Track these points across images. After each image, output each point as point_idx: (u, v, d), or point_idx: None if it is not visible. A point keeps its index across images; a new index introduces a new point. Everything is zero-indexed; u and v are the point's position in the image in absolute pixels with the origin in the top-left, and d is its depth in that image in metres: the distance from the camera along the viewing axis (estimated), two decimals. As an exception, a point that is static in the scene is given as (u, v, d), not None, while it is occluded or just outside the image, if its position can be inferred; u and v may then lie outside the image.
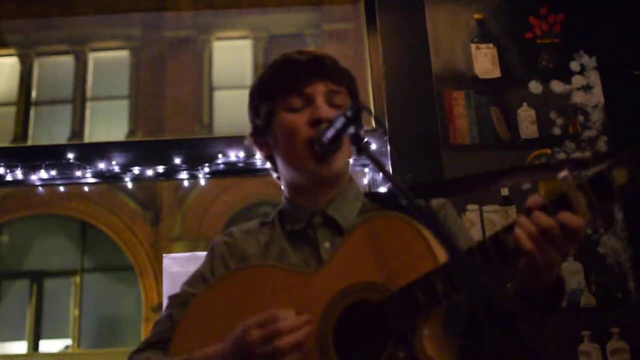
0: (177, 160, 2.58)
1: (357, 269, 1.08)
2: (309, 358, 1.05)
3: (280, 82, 1.28)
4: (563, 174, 0.93)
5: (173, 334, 1.22)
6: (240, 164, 2.60)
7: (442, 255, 0.99)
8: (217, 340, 1.12)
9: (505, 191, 2.49)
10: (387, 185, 2.46)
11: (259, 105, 1.32)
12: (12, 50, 5.05)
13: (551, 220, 0.92)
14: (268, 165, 1.38)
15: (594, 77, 2.64)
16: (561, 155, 2.54)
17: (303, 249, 1.24)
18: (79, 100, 6.34)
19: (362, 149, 1.10)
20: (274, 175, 1.38)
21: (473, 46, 2.69)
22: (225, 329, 1.11)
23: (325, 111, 1.21)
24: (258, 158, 2.57)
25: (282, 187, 1.35)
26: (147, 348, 1.24)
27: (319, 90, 1.24)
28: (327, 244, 1.23)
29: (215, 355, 1.10)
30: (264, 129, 1.31)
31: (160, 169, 2.59)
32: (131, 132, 6.22)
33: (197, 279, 1.30)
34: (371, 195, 1.35)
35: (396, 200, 1.29)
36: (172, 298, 1.30)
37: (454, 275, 0.96)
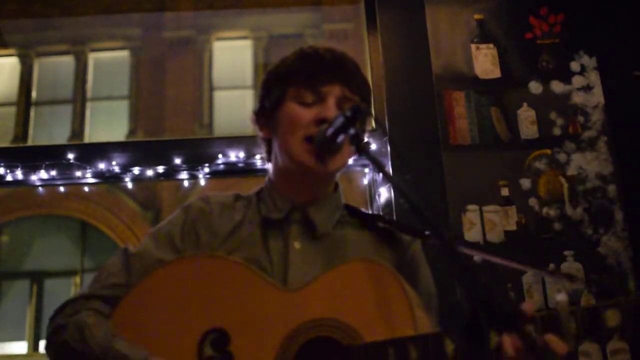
0: (177, 161, 2.58)
1: (333, 304, 1.07)
2: None
3: (299, 73, 1.26)
4: (560, 297, 0.96)
5: (125, 298, 1.15)
6: (240, 164, 2.60)
7: (421, 323, 1.00)
8: (164, 326, 1.09)
9: (505, 191, 2.49)
10: (387, 187, 2.46)
11: (272, 86, 1.30)
12: (12, 51, 5.05)
13: (540, 339, 0.91)
14: (262, 147, 1.37)
15: (594, 78, 2.64)
16: (561, 156, 2.54)
17: (273, 241, 1.23)
18: (79, 100, 6.34)
19: (362, 150, 1.10)
20: (265, 156, 1.36)
21: (473, 46, 2.69)
22: (178, 318, 1.09)
23: (334, 113, 1.20)
24: (258, 158, 2.58)
25: (270, 170, 1.34)
26: (96, 299, 1.18)
27: (334, 92, 1.24)
28: (297, 244, 1.22)
29: None
30: (270, 112, 1.30)
31: (160, 169, 2.59)
32: (131, 132, 6.22)
33: (166, 242, 1.24)
34: (351, 209, 1.35)
35: (372, 222, 1.30)
36: (133, 256, 1.22)
37: (430, 352, 0.96)
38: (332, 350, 1.04)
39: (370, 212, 1.34)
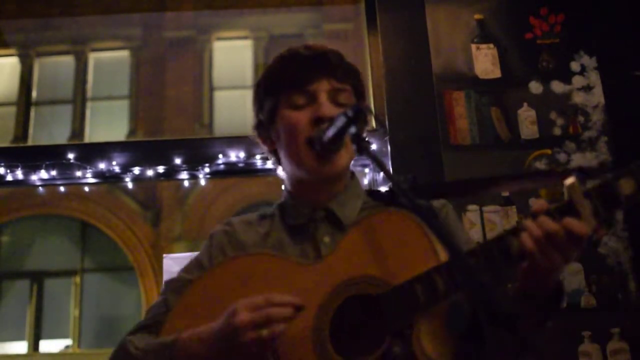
0: (178, 161, 2.59)
1: (357, 262, 1.08)
2: (305, 349, 1.05)
3: (284, 78, 1.27)
4: (570, 180, 0.93)
5: (166, 318, 1.21)
6: (240, 164, 2.60)
7: (444, 254, 0.99)
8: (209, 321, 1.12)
9: (505, 192, 2.49)
10: (387, 185, 2.46)
11: (264, 99, 1.32)
12: (12, 51, 5.04)
13: (557, 224, 0.92)
14: (271, 159, 1.38)
15: (594, 78, 2.64)
16: (561, 156, 2.54)
17: (302, 242, 1.24)
18: (79, 100, 6.33)
19: (362, 149, 1.10)
20: (278, 168, 1.38)
21: (473, 46, 2.69)
22: (218, 315, 1.11)
23: (328, 109, 1.21)
24: (258, 158, 2.58)
25: (285, 180, 1.35)
26: (139, 331, 1.23)
27: (322, 87, 1.24)
28: (326, 239, 1.23)
29: (203, 334, 1.09)
30: (267, 124, 1.31)
31: (161, 169, 2.59)
32: (131, 132, 6.22)
33: (195, 266, 1.30)
34: (373, 193, 1.35)
35: (397, 199, 1.29)
36: (168, 283, 1.30)
37: (456, 274, 0.96)
38: (366, 305, 1.06)
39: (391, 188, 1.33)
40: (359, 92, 1.31)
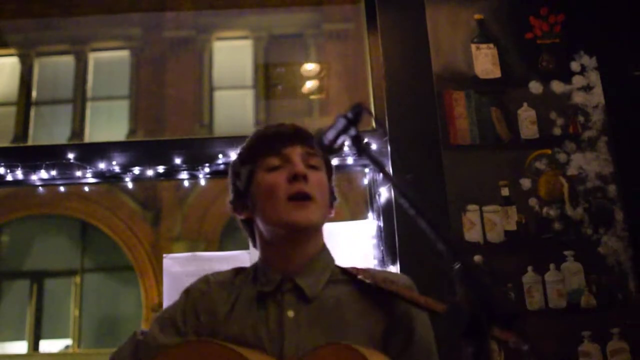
0: (178, 160, 2.58)
1: None
2: None
3: (260, 146, 1.37)
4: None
5: None
6: (240, 164, 2.60)
7: None
8: None
9: (505, 191, 2.49)
10: (387, 187, 2.46)
11: (240, 169, 1.41)
12: (12, 50, 5.05)
13: None
14: (245, 230, 1.44)
15: (594, 78, 2.64)
16: (561, 156, 2.54)
17: (268, 313, 1.29)
18: (79, 100, 6.34)
19: (362, 150, 1.11)
20: (250, 241, 1.44)
21: (473, 46, 2.69)
22: None
23: (302, 168, 1.30)
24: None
25: (257, 251, 1.41)
26: None
27: (296, 151, 1.33)
28: (290, 313, 1.27)
29: None
30: (244, 192, 1.39)
31: (161, 169, 2.59)
32: (131, 132, 6.23)
33: (168, 324, 1.34)
34: (342, 268, 1.40)
35: (361, 280, 1.33)
36: (141, 342, 1.33)
37: None
38: None
39: (360, 267, 1.39)
40: (328, 163, 1.41)
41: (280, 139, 1.35)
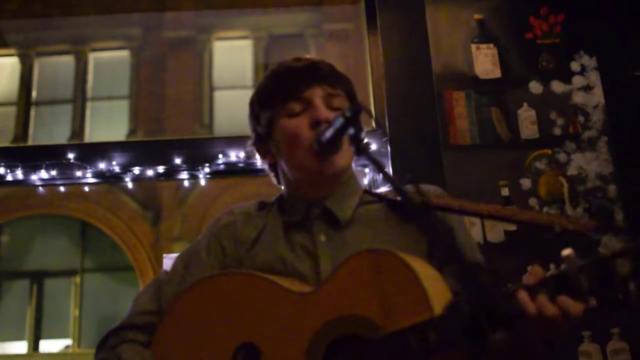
0: (178, 160, 2.59)
1: (351, 299, 1.07)
2: None
3: (279, 90, 1.30)
4: (567, 252, 0.93)
5: (159, 325, 1.22)
6: (240, 164, 2.60)
7: (437, 307, 0.99)
8: (201, 351, 1.14)
9: (505, 191, 2.49)
10: (387, 187, 2.46)
11: (260, 113, 1.34)
12: (12, 50, 5.05)
13: (554, 308, 0.91)
14: (270, 173, 1.40)
15: (594, 78, 2.64)
16: (561, 156, 2.54)
17: (298, 240, 1.25)
18: (79, 100, 6.33)
19: (361, 150, 1.10)
20: (274, 181, 1.40)
21: (473, 46, 2.69)
22: (212, 340, 1.14)
23: (324, 112, 1.23)
24: (258, 158, 2.58)
25: (282, 188, 1.37)
26: (131, 330, 1.24)
27: (317, 93, 1.26)
28: (322, 237, 1.23)
29: None
30: (266, 137, 1.33)
31: (161, 169, 2.59)
32: (131, 132, 6.22)
33: (193, 258, 1.30)
34: (370, 192, 1.36)
35: (394, 199, 1.29)
36: (163, 282, 1.30)
37: (449, 329, 0.96)
38: (356, 346, 1.05)
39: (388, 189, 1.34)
40: (352, 97, 1.33)
41: (299, 80, 1.27)
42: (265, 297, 1.15)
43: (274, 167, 1.37)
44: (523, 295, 0.92)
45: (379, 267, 1.07)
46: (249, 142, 1.40)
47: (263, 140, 1.35)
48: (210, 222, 1.37)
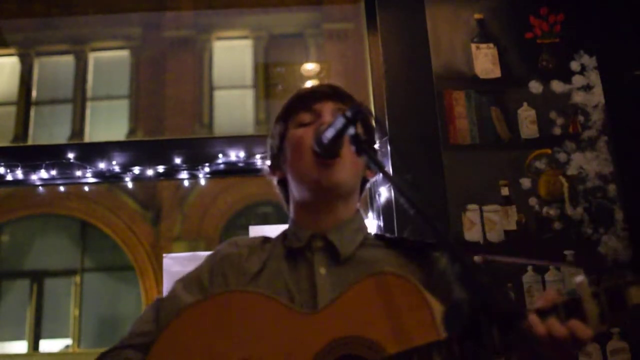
0: (178, 160, 2.59)
1: (354, 321, 1.07)
2: None
3: (294, 104, 1.34)
4: (580, 278, 0.94)
5: (155, 342, 1.19)
6: (240, 164, 2.60)
7: (443, 330, 0.99)
8: None
9: (505, 191, 2.49)
10: (387, 187, 2.46)
11: (274, 127, 1.37)
12: (12, 50, 5.04)
13: (564, 330, 0.91)
14: (280, 192, 1.40)
15: (594, 77, 2.64)
16: (561, 156, 2.54)
17: (299, 270, 1.24)
18: (79, 100, 6.34)
19: (361, 150, 1.10)
20: (284, 204, 1.39)
21: (473, 46, 2.69)
22: (210, 356, 1.12)
23: (330, 120, 1.23)
24: (258, 158, 2.58)
25: (290, 211, 1.36)
26: (128, 348, 1.23)
27: (327, 107, 1.29)
28: (322, 270, 1.22)
29: None
30: (278, 151, 1.35)
31: (161, 168, 2.59)
32: (131, 131, 6.23)
33: (194, 283, 1.29)
34: (376, 235, 1.35)
35: (401, 243, 1.29)
36: (162, 302, 1.29)
37: (455, 353, 0.96)
38: None
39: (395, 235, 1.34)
40: (364, 121, 1.34)
41: (314, 96, 1.32)
42: (267, 314, 1.14)
43: (283, 184, 1.37)
44: (533, 317, 0.93)
45: (388, 289, 1.07)
46: (266, 165, 1.41)
47: (276, 156, 1.36)
48: (212, 252, 1.35)
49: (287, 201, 1.37)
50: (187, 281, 1.30)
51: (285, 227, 1.37)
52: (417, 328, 1.01)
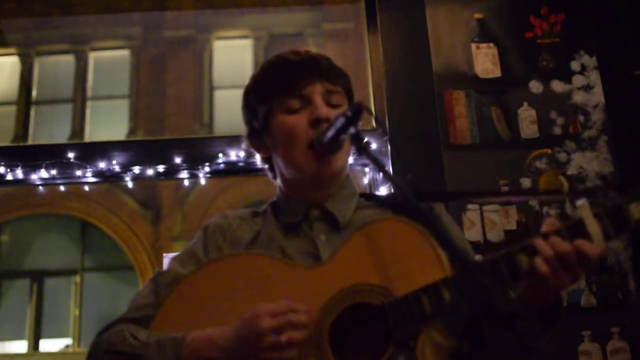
0: (178, 160, 2.59)
1: (359, 269, 1.07)
2: (305, 352, 1.04)
3: (277, 84, 1.27)
4: (581, 201, 0.96)
5: (157, 312, 1.19)
6: (240, 164, 2.60)
7: (449, 268, 0.99)
8: (205, 325, 1.10)
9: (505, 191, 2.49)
10: (387, 186, 2.46)
11: (256, 107, 1.31)
12: (12, 50, 5.04)
13: (569, 246, 0.93)
14: (265, 166, 1.38)
15: (594, 77, 2.64)
16: (561, 155, 2.54)
17: (297, 240, 1.24)
18: (79, 99, 6.34)
19: (362, 149, 1.10)
20: (270, 175, 1.38)
21: (473, 46, 2.69)
22: (216, 315, 1.11)
23: (325, 111, 1.22)
24: (258, 158, 2.58)
25: (278, 184, 1.35)
26: (129, 323, 1.20)
27: (316, 90, 1.24)
28: (322, 237, 1.23)
29: (216, 337, 1.07)
30: (262, 131, 1.32)
31: (161, 168, 2.59)
32: (131, 131, 6.22)
33: (189, 258, 1.27)
34: (366, 195, 1.36)
35: (392, 202, 1.29)
36: (160, 275, 1.27)
37: (463, 287, 0.96)
38: (367, 313, 1.05)
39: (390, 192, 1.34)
40: (350, 93, 1.32)
41: (298, 75, 1.24)
42: (271, 271, 1.14)
43: (268, 160, 1.36)
44: (538, 240, 0.94)
45: (383, 236, 1.08)
46: (244, 135, 1.38)
47: (259, 134, 1.33)
48: (203, 226, 1.34)
49: (274, 172, 1.35)
50: (183, 257, 1.29)
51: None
52: (423, 268, 1.01)
